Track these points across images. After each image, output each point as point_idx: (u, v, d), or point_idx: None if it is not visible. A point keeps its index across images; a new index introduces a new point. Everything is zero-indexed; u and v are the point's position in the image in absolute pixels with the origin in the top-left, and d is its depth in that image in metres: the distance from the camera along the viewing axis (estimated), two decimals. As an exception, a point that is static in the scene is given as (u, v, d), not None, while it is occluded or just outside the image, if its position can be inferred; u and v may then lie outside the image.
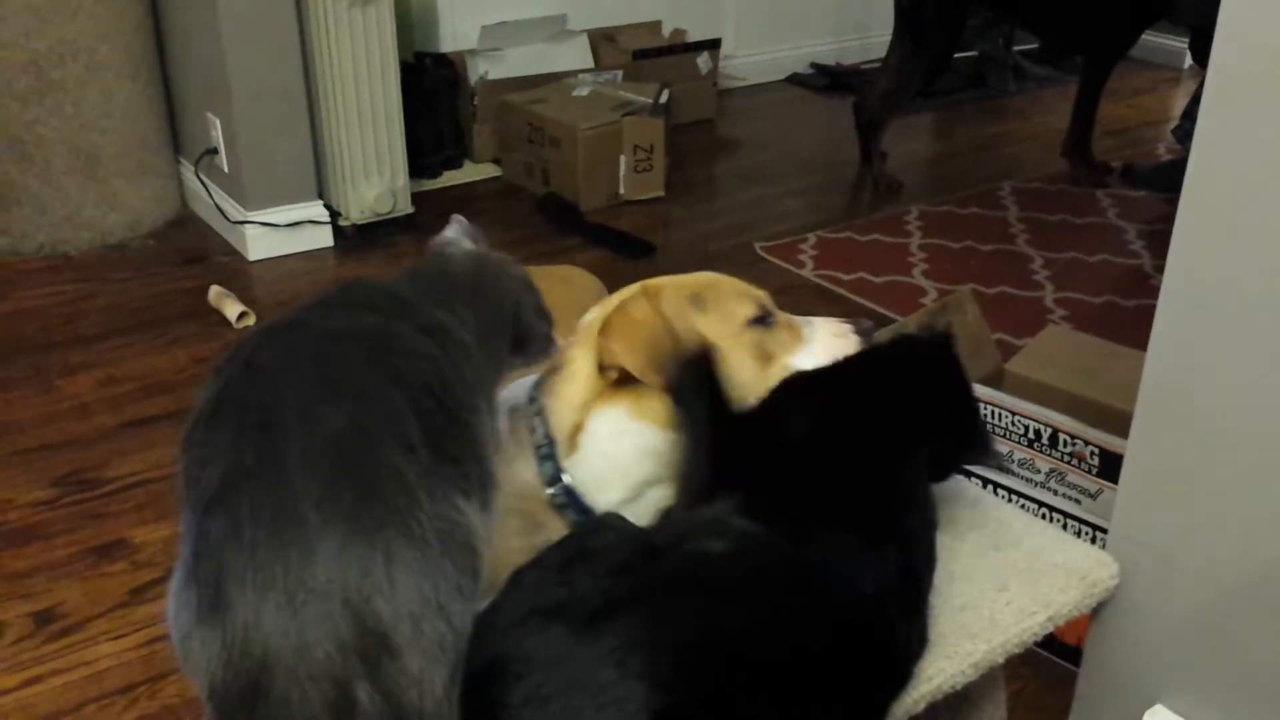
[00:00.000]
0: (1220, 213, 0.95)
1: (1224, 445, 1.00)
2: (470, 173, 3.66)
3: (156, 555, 1.90)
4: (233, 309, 2.66)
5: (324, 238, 3.09)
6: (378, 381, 0.78)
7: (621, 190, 3.43)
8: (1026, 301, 2.80)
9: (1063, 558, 1.06)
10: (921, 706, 0.92)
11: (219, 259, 3.02)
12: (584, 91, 3.57)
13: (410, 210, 3.20)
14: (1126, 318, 2.70)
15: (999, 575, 1.02)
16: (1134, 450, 1.07)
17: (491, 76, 3.64)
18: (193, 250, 3.07)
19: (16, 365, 2.46)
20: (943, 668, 0.93)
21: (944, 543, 1.08)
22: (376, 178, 3.08)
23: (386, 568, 0.69)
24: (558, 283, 1.52)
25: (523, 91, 3.58)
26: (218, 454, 0.73)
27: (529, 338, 0.98)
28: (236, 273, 2.95)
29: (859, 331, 1.08)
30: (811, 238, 3.15)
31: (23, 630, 1.73)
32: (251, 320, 2.65)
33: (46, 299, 2.78)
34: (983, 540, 1.07)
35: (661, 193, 3.49)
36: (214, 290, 2.73)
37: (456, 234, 1.02)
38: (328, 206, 3.08)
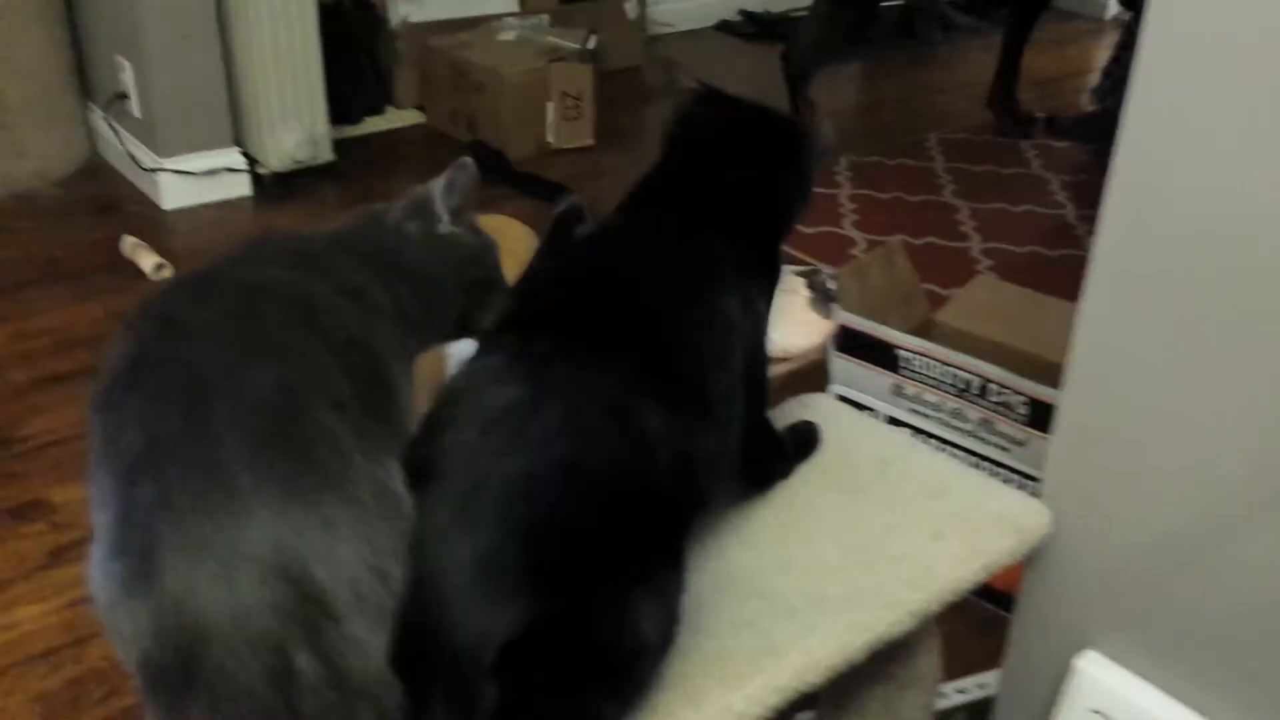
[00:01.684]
0: (1156, 162, 0.96)
1: (1155, 392, 1.01)
2: (393, 119, 3.57)
3: (76, 516, 1.84)
4: (148, 260, 2.57)
5: (242, 186, 3.00)
6: (303, 338, 0.76)
7: (550, 138, 3.38)
8: (954, 252, 2.82)
9: (996, 506, 1.07)
10: (862, 656, 0.93)
11: (132, 208, 2.92)
12: (510, 36, 3.49)
13: (332, 158, 3.12)
14: (1052, 268, 2.74)
15: (934, 524, 1.03)
16: (1067, 399, 1.08)
17: (413, 19, 3.55)
18: (104, 199, 2.96)
19: (-80, 319, 2.37)
20: (882, 617, 0.94)
21: (878, 492, 1.09)
22: (295, 124, 2.99)
23: (324, 531, 0.67)
24: (491, 235, 1.49)
25: (446, 35, 3.50)
26: (138, 416, 0.70)
27: (479, 311, 0.95)
28: (151, 223, 2.85)
29: (811, 285, 1.07)
30: (741, 187, 3.14)
31: (-64, 594, 1.67)
32: (169, 272, 2.57)
33: (-49, 250, 2.67)
34: (916, 489, 1.08)
35: (591, 141, 3.45)
36: (128, 241, 2.64)
37: (438, 189, 0.97)
38: (245, 154, 2.99)
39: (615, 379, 0.83)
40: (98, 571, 0.69)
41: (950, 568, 0.99)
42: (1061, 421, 1.10)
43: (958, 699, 1.55)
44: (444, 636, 0.73)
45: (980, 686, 1.56)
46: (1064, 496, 1.10)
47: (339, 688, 0.67)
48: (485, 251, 0.95)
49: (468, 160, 1.00)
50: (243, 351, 0.73)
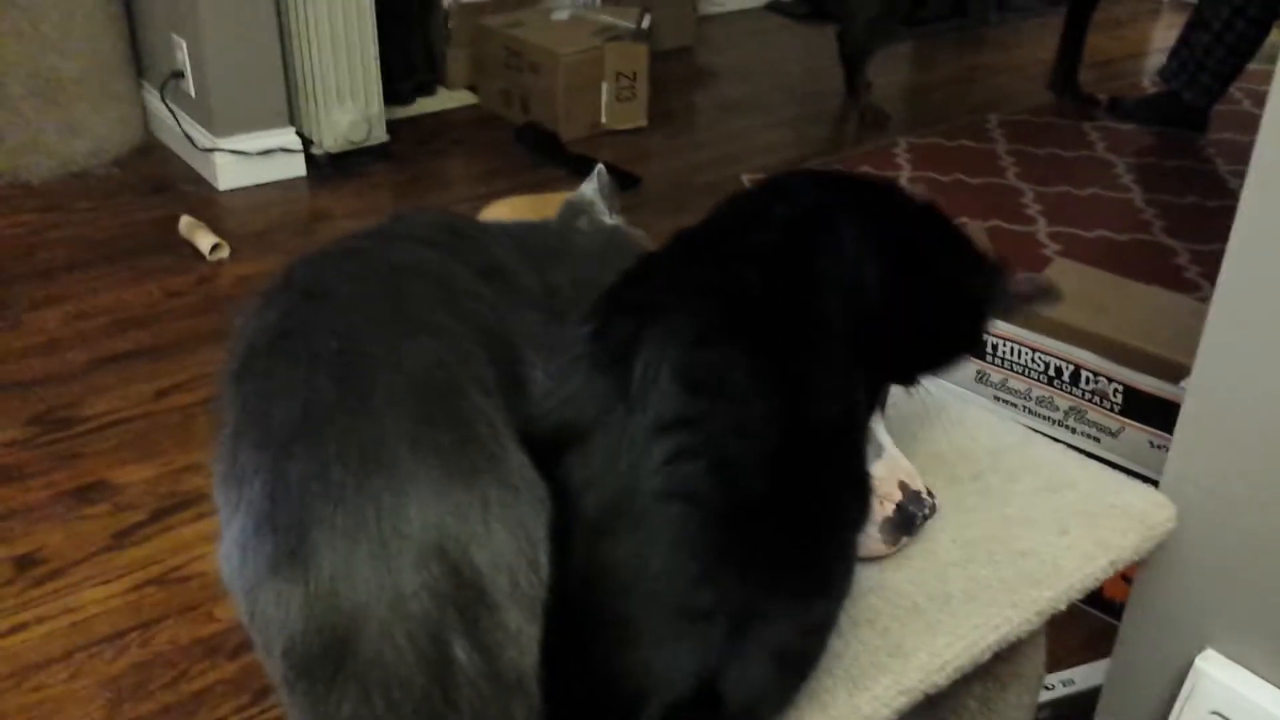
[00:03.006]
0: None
1: (1291, 384, 0.96)
2: (445, 100, 3.54)
3: (139, 497, 1.82)
4: (206, 240, 2.55)
5: (296, 167, 2.97)
6: (451, 320, 0.72)
7: (603, 119, 3.34)
8: (1020, 236, 2.75)
9: (1120, 500, 1.02)
10: (988, 656, 0.88)
11: (187, 188, 2.90)
12: (563, 15, 3.45)
13: (385, 139, 3.09)
14: (1121, 252, 2.67)
15: (1058, 519, 0.98)
16: (1195, 389, 1.03)
17: (466, -1, 3.52)
18: (159, 179, 2.95)
19: (-21, 299, 2.35)
20: (1009, 616, 0.89)
21: (996, 485, 1.04)
22: (350, 104, 2.96)
23: (484, 514, 0.63)
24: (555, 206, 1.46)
25: (499, 15, 3.45)
26: (289, 389, 0.66)
27: None
28: (206, 202, 2.83)
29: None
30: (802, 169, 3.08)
31: (3, 576, 1.65)
32: (225, 253, 2.55)
33: (8, 229, 2.66)
34: (1037, 482, 1.03)
35: (644, 122, 3.40)
36: (185, 220, 2.62)
37: (593, 191, 0.94)
38: (300, 134, 2.97)
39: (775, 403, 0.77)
40: (237, 550, 0.64)
41: (1077, 564, 0.94)
42: (1187, 412, 1.04)
43: (1044, 695, 1.50)
44: (622, 665, 0.69)
45: (1065, 684, 1.51)
46: (1186, 489, 1.05)
47: (496, 681, 0.63)
48: (644, 245, 0.91)
49: (601, 168, 0.98)
50: (398, 328, 0.69)
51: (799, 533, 0.73)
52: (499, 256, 0.82)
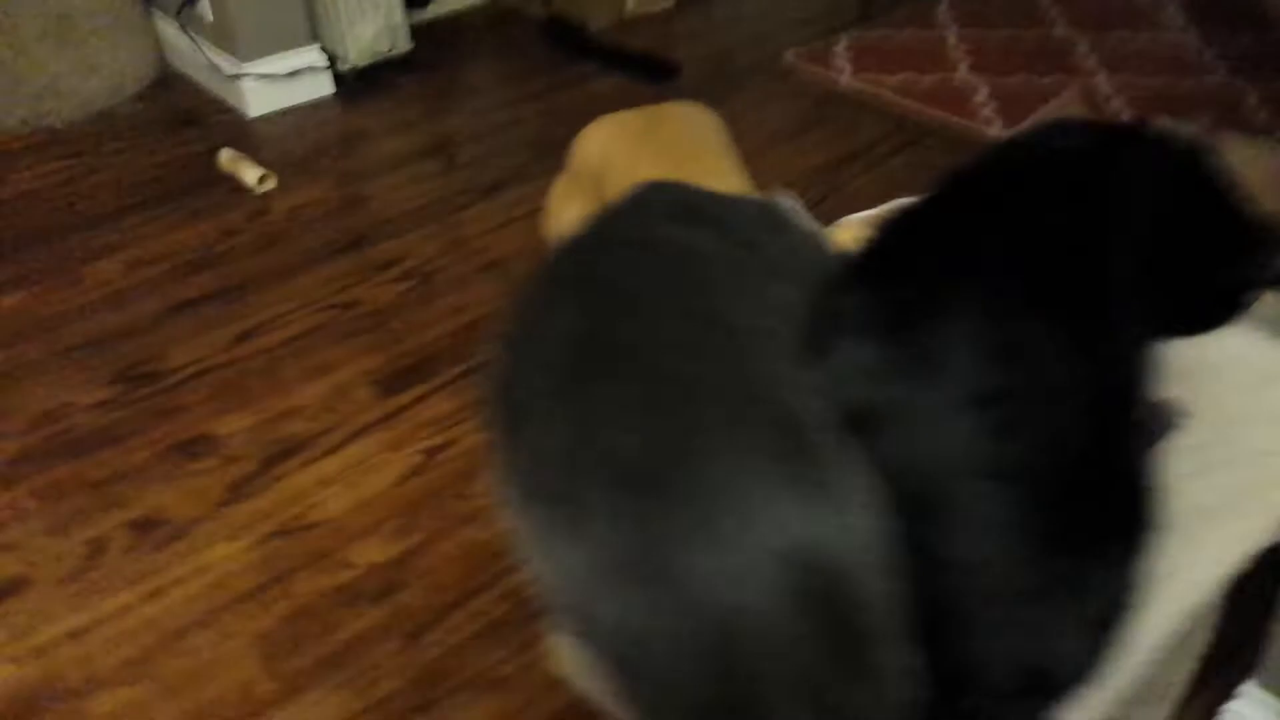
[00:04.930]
0: None
1: None
2: (457, 1, 3.40)
3: (244, 447, 1.79)
4: (251, 173, 2.47)
5: (324, 86, 2.87)
6: (754, 313, 0.67)
7: (628, 3, 3.21)
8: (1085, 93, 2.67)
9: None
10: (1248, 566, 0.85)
11: (216, 119, 2.80)
12: (576, -101, 3.28)
13: (409, 47, 2.98)
14: (1185, 99, 2.59)
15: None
16: None
17: (472, -110, 3.35)
18: (185, 112, 2.84)
19: (32, 256, 2.28)
20: (1262, 523, 0.86)
21: (1204, 384, 0.99)
22: (372, 14, 2.85)
23: (840, 516, 0.59)
24: (682, 125, 1.38)
25: (509, -96, 3.30)
26: (626, 412, 0.62)
27: None
28: (238, 132, 2.73)
29: None
30: (843, 39, 2.98)
31: (126, 542, 1.63)
32: (273, 183, 2.47)
33: (42, 180, 2.57)
34: (1249, 377, 0.99)
35: (670, 3, 3.27)
36: (225, 154, 2.54)
37: (789, 199, 0.88)
38: (325, 51, 2.85)
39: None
40: (576, 559, 0.60)
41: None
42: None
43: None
44: (964, 654, 0.66)
45: None
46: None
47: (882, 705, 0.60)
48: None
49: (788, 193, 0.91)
50: (713, 331, 0.64)
51: (1111, 498, 0.69)
52: (749, 230, 0.77)
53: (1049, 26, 2.99)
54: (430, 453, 1.77)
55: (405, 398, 1.88)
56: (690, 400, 0.61)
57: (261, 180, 2.46)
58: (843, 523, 0.59)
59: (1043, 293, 0.69)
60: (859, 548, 0.59)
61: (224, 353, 2.00)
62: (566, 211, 1.45)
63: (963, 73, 2.78)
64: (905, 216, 0.77)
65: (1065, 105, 1.80)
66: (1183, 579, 0.81)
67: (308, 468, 1.75)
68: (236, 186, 2.49)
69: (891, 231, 0.76)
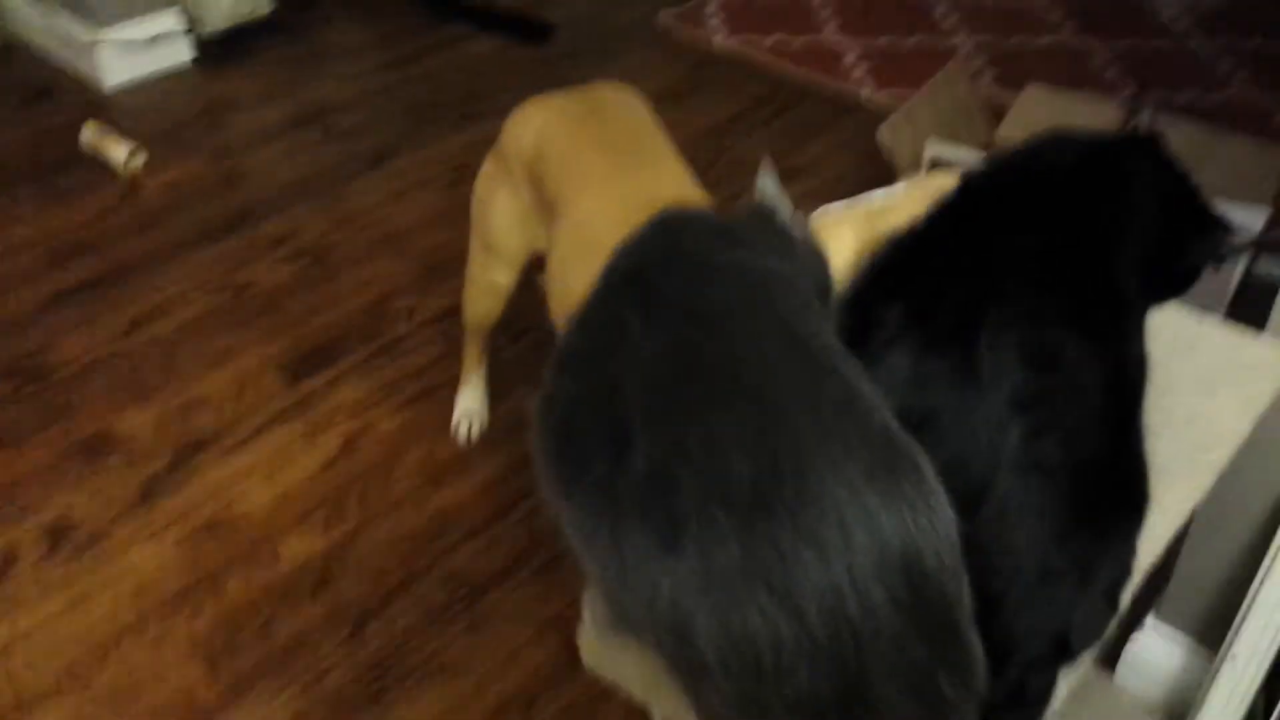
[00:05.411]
0: None
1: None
2: (316, -42, 3.29)
3: (151, 443, 1.74)
4: (119, 149, 2.35)
5: (182, 52, 2.75)
6: (823, 330, 0.71)
7: (496, -36, 3.16)
8: (944, 51, 2.77)
9: (1247, 355, 1.08)
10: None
11: (69, 91, 2.65)
12: None
13: (269, 9, 2.87)
14: (1042, 59, 2.73)
15: (1202, 381, 1.04)
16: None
17: None
18: (33, 84, 2.68)
19: (-116, 246, 2.14)
20: (1199, 482, 0.95)
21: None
22: (231, -25, 2.74)
23: (930, 518, 0.64)
24: (618, 111, 1.39)
25: None
26: (735, 442, 0.65)
27: None
28: (95, 104, 2.60)
29: None
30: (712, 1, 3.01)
31: (39, 550, 1.57)
32: (142, 159, 2.36)
33: (-118, 161, 2.40)
34: (1173, 347, 1.08)
35: (537, -37, 3.24)
36: (90, 129, 2.41)
37: (773, 187, 0.90)
38: (185, 14, 2.73)
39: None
40: (689, 575, 0.63)
41: (1233, 422, 1.00)
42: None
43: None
44: (1005, 631, 0.72)
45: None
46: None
47: (964, 670, 0.66)
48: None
49: (768, 158, 0.96)
50: (798, 353, 0.68)
51: (1123, 480, 0.77)
52: (774, 243, 0.81)
53: (910, -15, 3.08)
54: (349, 439, 1.76)
55: (315, 382, 1.86)
56: (785, 419, 0.65)
57: (131, 156, 2.35)
58: (929, 525, 0.64)
59: (1068, 302, 0.77)
60: (944, 547, 0.64)
61: (114, 343, 1.93)
62: (495, 195, 1.45)
63: (831, 33, 2.85)
64: (924, 229, 0.82)
65: (949, 77, 1.88)
66: (1151, 537, 0.90)
67: (222, 461, 1.71)
68: (102, 164, 2.38)
69: (914, 244, 0.81)
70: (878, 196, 1.00)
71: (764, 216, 0.86)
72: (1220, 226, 0.95)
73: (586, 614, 0.89)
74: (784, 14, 2.93)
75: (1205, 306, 1.55)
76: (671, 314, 0.71)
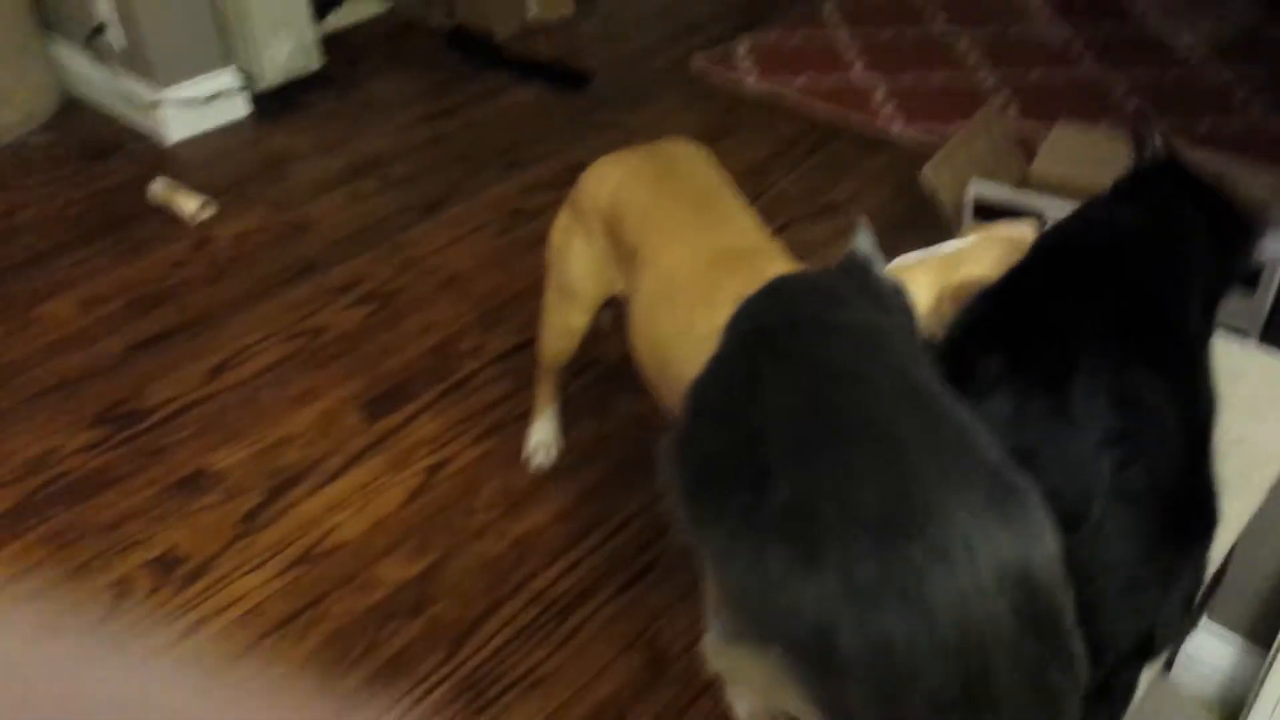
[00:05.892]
0: None
1: None
2: (357, 11, 3.42)
3: (245, 479, 1.84)
4: (189, 202, 2.48)
5: (239, 108, 2.88)
6: (927, 373, 0.83)
7: (531, 9, 3.30)
8: (969, 87, 2.89)
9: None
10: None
11: (133, 147, 2.78)
12: (471, -90, 3.35)
13: (320, 64, 3.01)
14: (1064, 93, 2.84)
15: (1251, 405, 1.14)
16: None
17: (364, -97, 3.38)
18: (99, 142, 2.81)
19: (-26, 300, 2.26)
20: (1253, 500, 1.05)
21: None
22: (284, 32, 2.87)
23: (1041, 534, 0.75)
24: (690, 167, 1.50)
25: (404, -83, 3.34)
26: (871, 470, 0.76)
27: None
28: (159, 159, 2.73)
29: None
30: (745, 42, 3.14)
31: (150, 583, 1.68)
32: (213, 211, 2.49)
33: (-36, 219, 2.53)
34: (1220, 375, 1.18)
35: (570, 10, 3.38)
36: (159, 183, 2.54)
37: (868, 244, 1.01)
38: (241, 72, 2.86)
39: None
40: (819, 597, 0.74)
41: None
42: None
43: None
44: (1099, 634, 0.82)
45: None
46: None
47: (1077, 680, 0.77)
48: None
49: (864, 219, 1.06)
50: (909, 397, 0.80)
51: (1198, 503, 0.88)
52: (877, 298, 0.93)
53: (929, 23, 3.21)
54: (430, 471, 1.86)
55: (394, 420, 1.96)
56: (910, 455, 0.76)
57: (201, 208, 2.47)
58: (1040, 544, 0.75)
59: (1146, 349, 0.88)
60: (1053, 563, 0.75)
61: (200, 388, 2.04)
62: (571, 245, 1.57)
63: (859, 72, 2.97)
64: (1009, 286, 0.94)
65: (986, 118, 1.99)
66: (1215, 550, 1.00)
67: (314, 495, 1.82)
68: (171, 216, 2.50)
69: (1004, 301, 0.93)
70: (950, 246, 1.11)
71: (862, 271, 0.97)
72: (1255, 228, 1.07)
73: (711, 626, 0.99)
74: (813, 55, 3.05)
75: (1241, 331, 1.66)
76: (801, 368, 0.82)
